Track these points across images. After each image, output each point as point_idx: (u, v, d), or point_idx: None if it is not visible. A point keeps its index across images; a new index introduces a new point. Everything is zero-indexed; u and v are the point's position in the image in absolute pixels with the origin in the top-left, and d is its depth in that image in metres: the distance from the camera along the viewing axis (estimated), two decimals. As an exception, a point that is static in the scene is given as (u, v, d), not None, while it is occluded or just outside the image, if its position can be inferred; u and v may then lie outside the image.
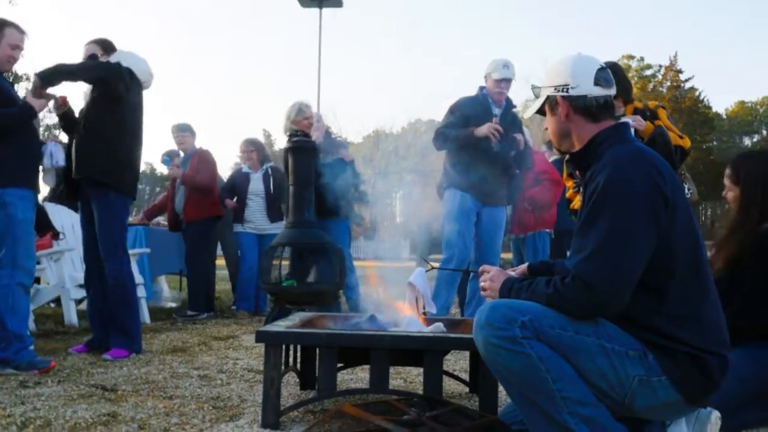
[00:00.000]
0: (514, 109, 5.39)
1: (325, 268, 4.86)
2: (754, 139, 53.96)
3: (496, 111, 5.16)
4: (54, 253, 5.56)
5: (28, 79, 33.78)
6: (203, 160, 6.78)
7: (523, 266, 2.49)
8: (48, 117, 25.64)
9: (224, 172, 8.15)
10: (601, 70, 2.16)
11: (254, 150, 7.15)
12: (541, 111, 2.28)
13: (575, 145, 2.20)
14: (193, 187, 6.62)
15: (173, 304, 7.71)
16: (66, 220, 6.00)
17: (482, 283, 2.27)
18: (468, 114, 5.05)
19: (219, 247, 7.56)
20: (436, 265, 3.14)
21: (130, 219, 6.98)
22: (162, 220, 7.91)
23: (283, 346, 2.83)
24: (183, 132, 6.89)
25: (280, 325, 2.81)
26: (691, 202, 3.78)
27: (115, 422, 2.66)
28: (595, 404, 1.92)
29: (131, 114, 4.28)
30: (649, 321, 1.93)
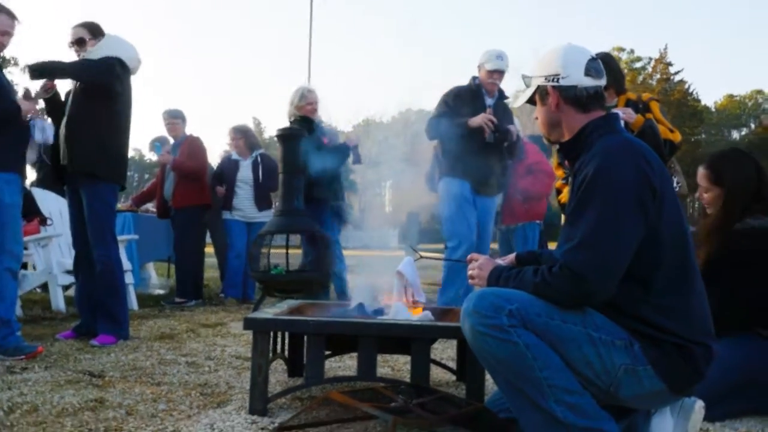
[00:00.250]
0: (505, 100, 5.38)
1: (314, 256, 4.86)
2: (742, 132, 54.30)
3: (489, 101, 5.16)
4: (41, 238, 5.53)
5: (15, 63, 33.52)
6: (193, 147, 6.75)
7: (512, 256, 2.50)
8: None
9: (213, 159, 8.10)
10: (592, 60, 2.16)
11: (242, 137, 7.12)
12: (531, 101, 2.28)
13: (565, 135, 2.20)
14: (183, 174, 6.59)
15: (161, 291, 7.69)
16: (53, 205, 5.95)
17: (470, 272, 2.27)
18: (461, 104, 5.04)
19: (208, 234, 7.53)
20: (425, 254, 3.14)
21: (119, 205, 6.94)
22: (151, 206, 7.87)
23: (271, 334, 2.83)
24: (174, 118, 6.84)
25: (268, 313, 2.81)
26: (680, 194, 3.81)
27: (103, 408, 2.66)
28: (580, 392, 1.93)
29: (122, 106, 4.26)
30: (636, 310, 1.94)
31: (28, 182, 5.35)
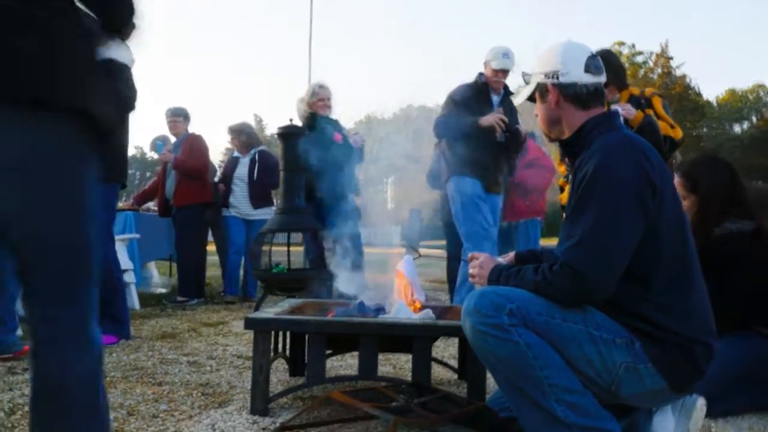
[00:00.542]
0: (511, 96, 5.33)
1: (315, 254, 4.86)
2: (744, 126, 54.18)
3: (495, 98, 5.11)
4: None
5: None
6: (195, 145, 6.73)
7: (511, 254, 2.49)
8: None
9: (215, 157, 8.10)
10: (592, 57, 2.15)
11: (236, 137, 7.13)
12: (531, 98, 2.27)
13: (565, 133, 2.19)
14: (185, 172, 6.58)
15: (163, 290, 7.69)
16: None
17: (471, 270, 2.26)
18: (468, 102, 4.98)
19: (210, 232, 7.53)
20: (425, 251, 3.14)
21: (120, 204, 6.93)
22: (152, 205, 7.86)
23: (273, 333, 2.83)
24: (176, 116, 6.83)
25: (269, 312, 2.81)
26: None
27: (104, 408, 2.65)
28: (581, 391, 1.92)
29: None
30: (636, 309, 1.94)
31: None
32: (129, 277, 5.84)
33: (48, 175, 1.39)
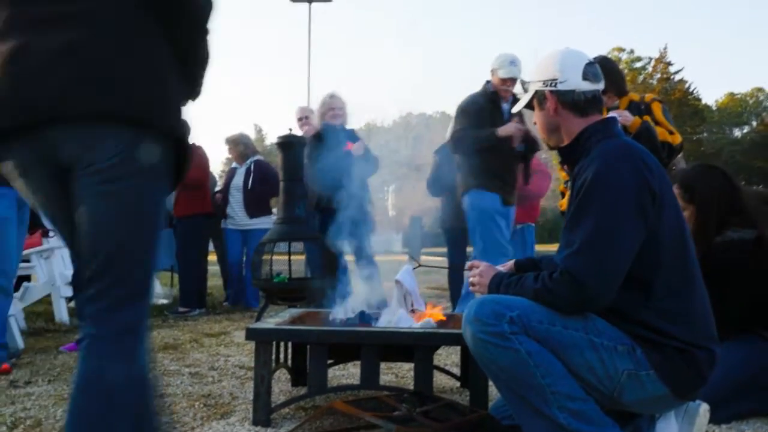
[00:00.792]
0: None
1: (316, 264, 4.85)
2: (744, 130, 54.17)
3: (505, 106, 5.02)
4: (44, 250, 5.53)
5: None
6: (195, 156, 6.73)
7: (510, 262, 2.49)
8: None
9: (215, 168, 8.12)
10: (590, 64, 2.16)
11: (233, 147, 7.16)
12: (529, 105, 2.28)
13: (564, 140, 2.20)
14: (185, 183, 6.59)
15: (164, 301, 7.67)
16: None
17: (471, 279, 2.27)
18: (481, 112, 4.87)
19: (211, 243, 7.53)
20: (426, 258, 3.13)
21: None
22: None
23: (274, 343, 2.82)
24: None
25: (270, 323, 2.80)
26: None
27: (106, 421, 2.65)
28: (584, 398, 1.92)
29: None
30: (638, 315, 1.94)
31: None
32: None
33: (140, 193, 1.47)
